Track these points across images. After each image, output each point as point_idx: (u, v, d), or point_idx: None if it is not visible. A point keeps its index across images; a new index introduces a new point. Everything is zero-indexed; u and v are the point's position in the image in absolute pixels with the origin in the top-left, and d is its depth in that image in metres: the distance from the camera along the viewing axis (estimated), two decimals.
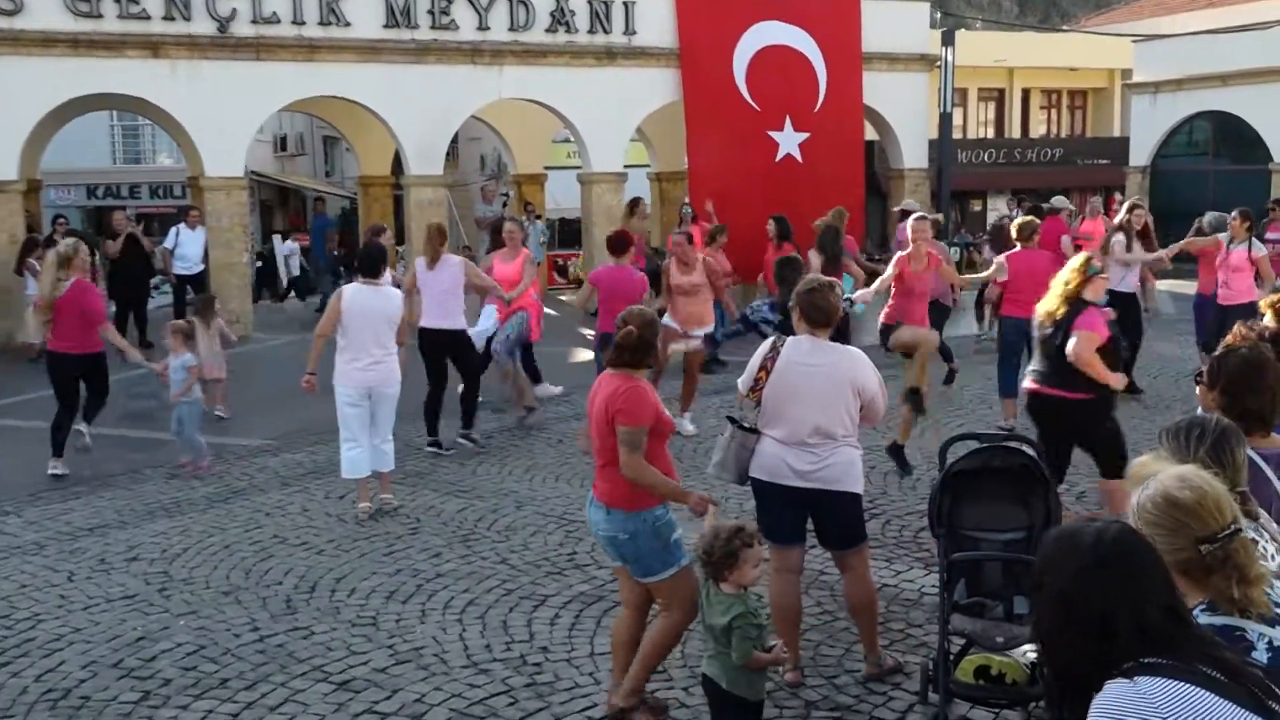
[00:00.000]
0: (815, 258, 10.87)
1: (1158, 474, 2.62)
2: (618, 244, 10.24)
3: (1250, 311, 6.66)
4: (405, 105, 17.56)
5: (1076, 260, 7.20)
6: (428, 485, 9.04)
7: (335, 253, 20.99)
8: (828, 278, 5.67)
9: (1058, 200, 16.38)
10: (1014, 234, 10.53)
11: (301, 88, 17.23)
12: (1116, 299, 11.36)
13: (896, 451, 9.11)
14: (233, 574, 7.19)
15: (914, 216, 9.78)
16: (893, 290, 9.42)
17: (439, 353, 10.05)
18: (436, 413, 10.12)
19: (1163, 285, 18.03)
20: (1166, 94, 24.90)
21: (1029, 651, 4.93)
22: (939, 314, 12.54)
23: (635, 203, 17.06)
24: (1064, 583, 2.28)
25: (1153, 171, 25.34)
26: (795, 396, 5.30)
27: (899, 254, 9.62)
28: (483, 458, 9.87)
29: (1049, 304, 7.12)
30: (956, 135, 30.28)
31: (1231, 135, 24.38)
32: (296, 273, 26.10)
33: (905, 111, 20.91)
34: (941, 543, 5.25)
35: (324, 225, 21.91)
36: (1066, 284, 7.06)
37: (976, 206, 34.25)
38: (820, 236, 11.09)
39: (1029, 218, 11.07)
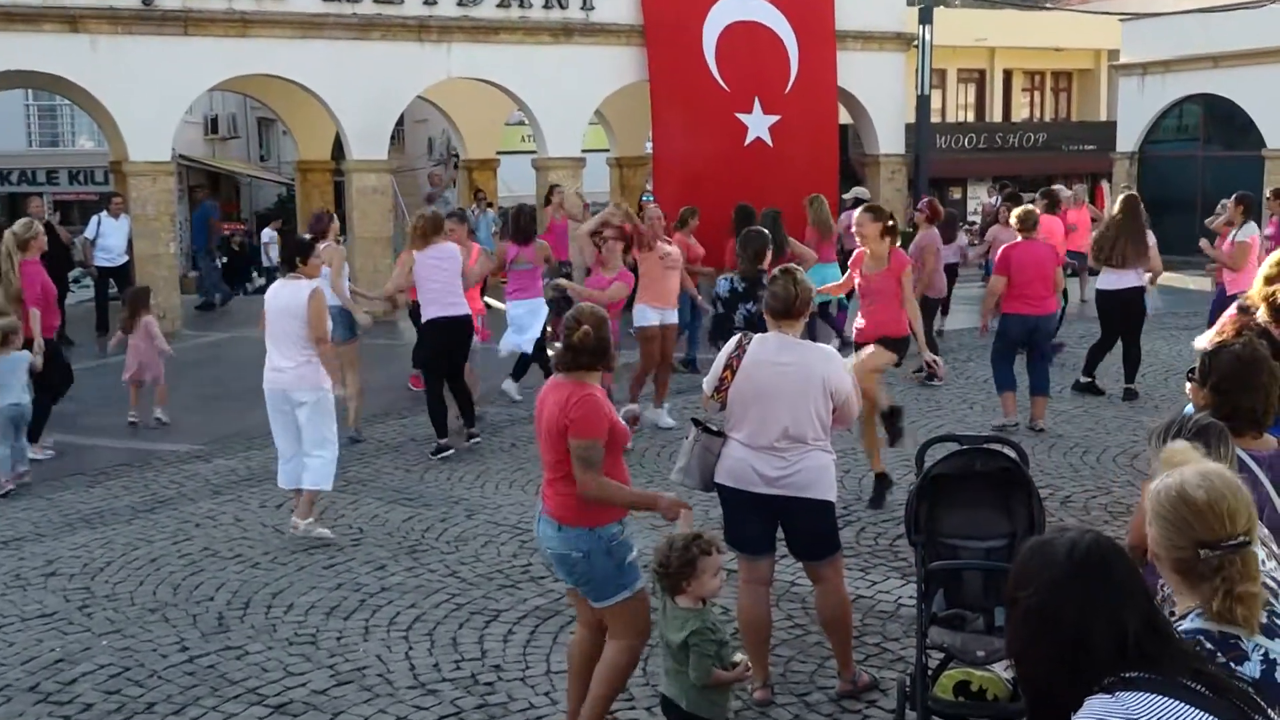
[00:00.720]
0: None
1: (1184, 466, 2.66)
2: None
3: None
4: (346, 85, 17.47)
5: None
6: (371, 493, 8.99)
7: (229, 241, 20.59)
8: (790, 265, 5.66)
9: (1063, 189, 16.52)
10: (1014, 224, 10.52)
11: (234, 65, 17.08)
12: (1118, 297, 11.43)
13: (882, 480, 8.55)
14: (160, 590, 7.12)
15: (860, 209, 8.99)
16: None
17: (449, 341, 10.05)
18: (445, 410, 10.13)
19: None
20: (1155, 76, 25.19)
21: (1010, 666, 4.96)
22: (930, 308, 12.62)
23: (553, 191, 17.05)
24: (1037, 596, 2.30)
25: (1140, 158, 25.64)
26: (762, 397, 5.32)
27: (856, 252, 9.04)
28: (431, 463, 9.82)
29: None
30: (935, 119, 30.52)
31: (1223, 120, 24.71)
32: (275, 261, 25.96)
33: (880, 94, 21.04)
34: (919, 551, 5.28)
35: (207, 214, 21.31)
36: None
37: (956, 194, 34.53)
38: (764, 225, 11.08)
39: (1029, 207, 11.05)
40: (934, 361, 9.01)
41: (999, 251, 10.78)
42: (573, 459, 4.68)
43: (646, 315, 10.67)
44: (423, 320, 10.14)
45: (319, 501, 8.17)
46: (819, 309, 9.93)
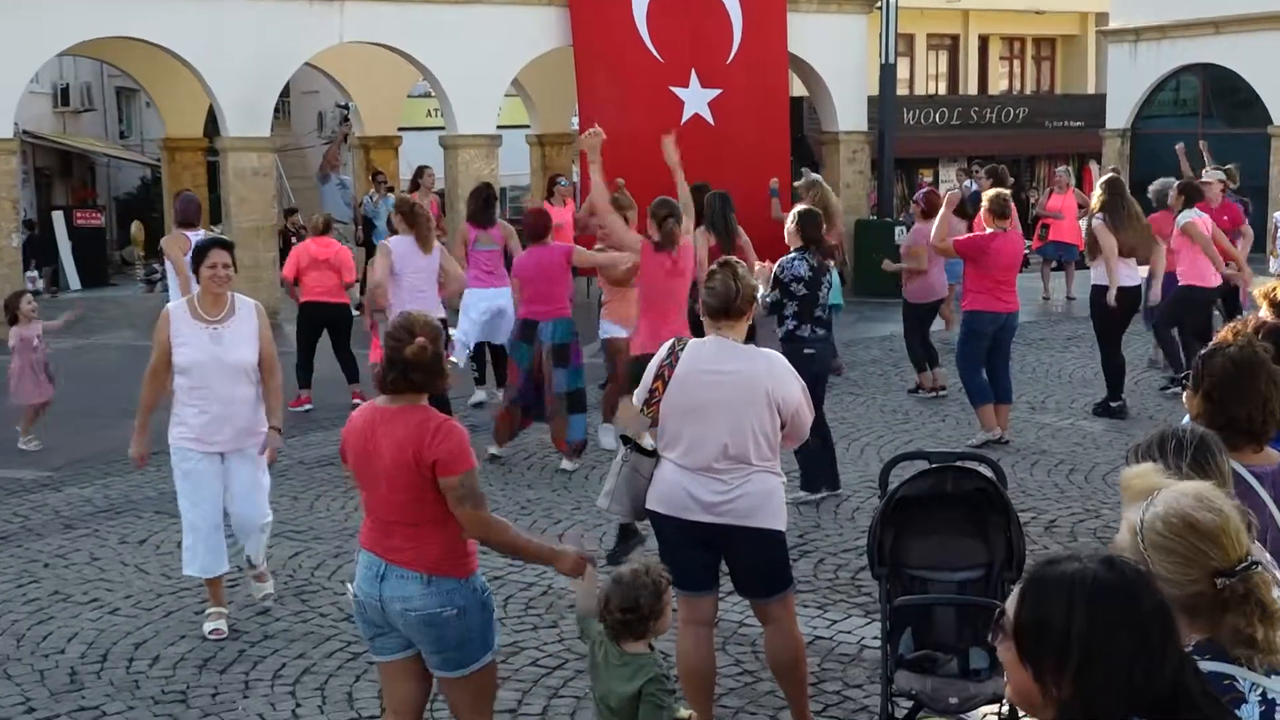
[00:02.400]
0: (702, 239, 10.93)
1: (1163, 489, 2.67)
2: (537, 227, 10.38)
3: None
4: (222, 49, 17.32)
5: None
6: None
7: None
8: (729, 258, 5.67)
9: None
10: (985, 210, 10.61)
11: (89, 27, 16.89)
12: (1126, 296, 11.51)
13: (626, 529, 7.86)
14: (1, 641, 7.01)
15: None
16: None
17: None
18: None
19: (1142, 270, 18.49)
20: (1149, 43, 25.62)
21: (988, 714, 5.04)
22: (923, 314, 12.63)
23: (421, 172, 17.01)
24: (1073, 635, 2.25)
25: (1133, 136, 26.04)
26: (698, 412, 5.33)
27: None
28: (322, 489, 9.77)
29: None
30: (902, 91, 30.81)
31: (1225, 93, 25.20)
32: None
33: (840, 62, 21.23)
34: (883, 585, 5.33)
35: None
36: None
37: (926, 176, 34.88)
38: (708, 209, 11.12)
39: (1003, 191, 11.10)
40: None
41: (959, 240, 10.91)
42: (452, 500, 4.52)
43: (613, 328, 10.71)
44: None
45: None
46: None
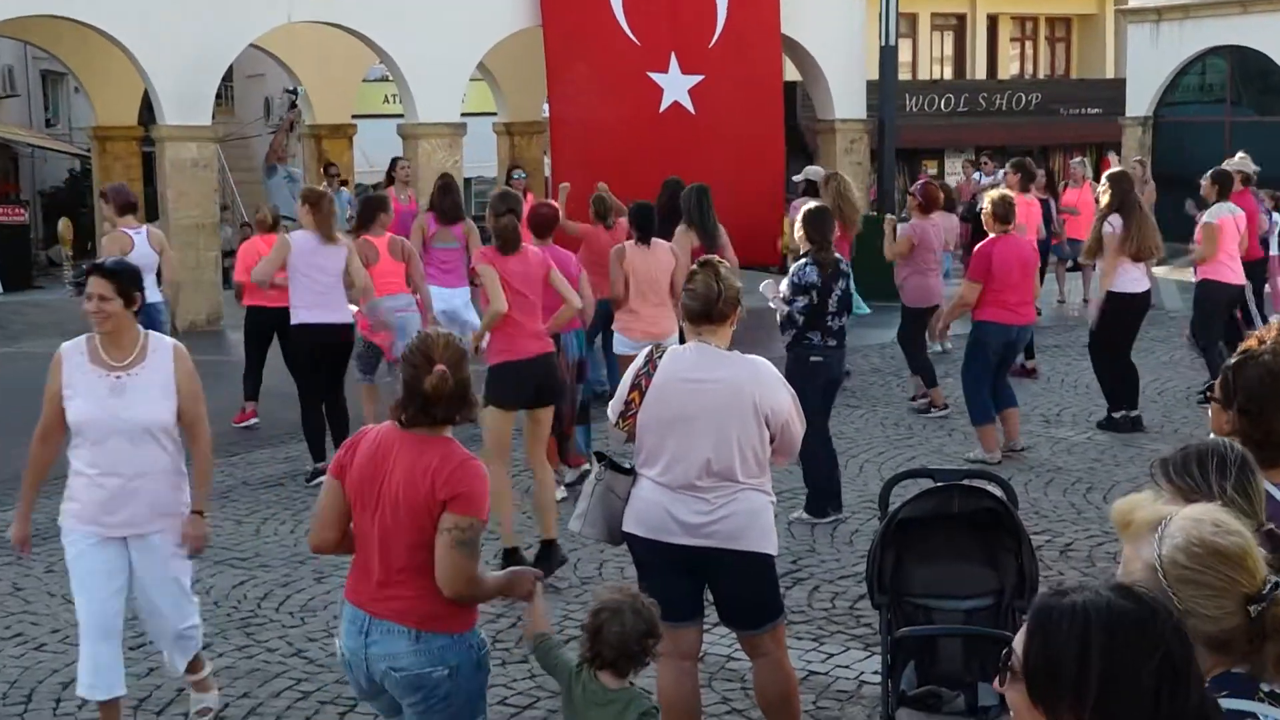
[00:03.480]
0: (684, 237, 10.93)
1: (1171, 518, 2.65)
2: (541, 222, 10.20)
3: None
4: (159, 30, 17.29)
5: None
6: None
7: None
8: (710, 257, 5.68)
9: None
10: (988, 214, 10.58)
11: (11, 4, 16.85)
12: (1140, 301, 11.54)
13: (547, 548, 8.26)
14: None
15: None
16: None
17: (325, 356, 10.28)
18: (323, 431, 10.46)
19: (1160, 271, 18.55)
20: (1172, 23, 25.73)
21: None
22: (922, 318, 12.63)
23: (394, 164, 17.02)
24: (1091, 672, 2.24)
25: (1155, 124, 26.14)
26: (678, 424, 5.33)
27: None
28: (270, 512, 9.75)
29: None
30: (904, 76, 30.92)
31: (1254, 77, 25.33)
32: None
33: (836, 44, 21.31)
34: (884, 615, 5.35)
35: None
36: None
37: (930, 169, 34.99)
38: (688, 204, 11.10)
39: (1005, 193, 11.00)
40: None
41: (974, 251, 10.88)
42: (447, 541, 4.34)
43: (626, 344, 10.68)
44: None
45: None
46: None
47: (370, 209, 11.29)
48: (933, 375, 12.46)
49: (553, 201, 11.78)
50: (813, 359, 8.87)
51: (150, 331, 6.04)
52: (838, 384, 9.72)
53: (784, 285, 9.10)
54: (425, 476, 4.37)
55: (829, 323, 8.94)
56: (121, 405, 5.74)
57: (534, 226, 9.81)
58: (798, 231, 9.14)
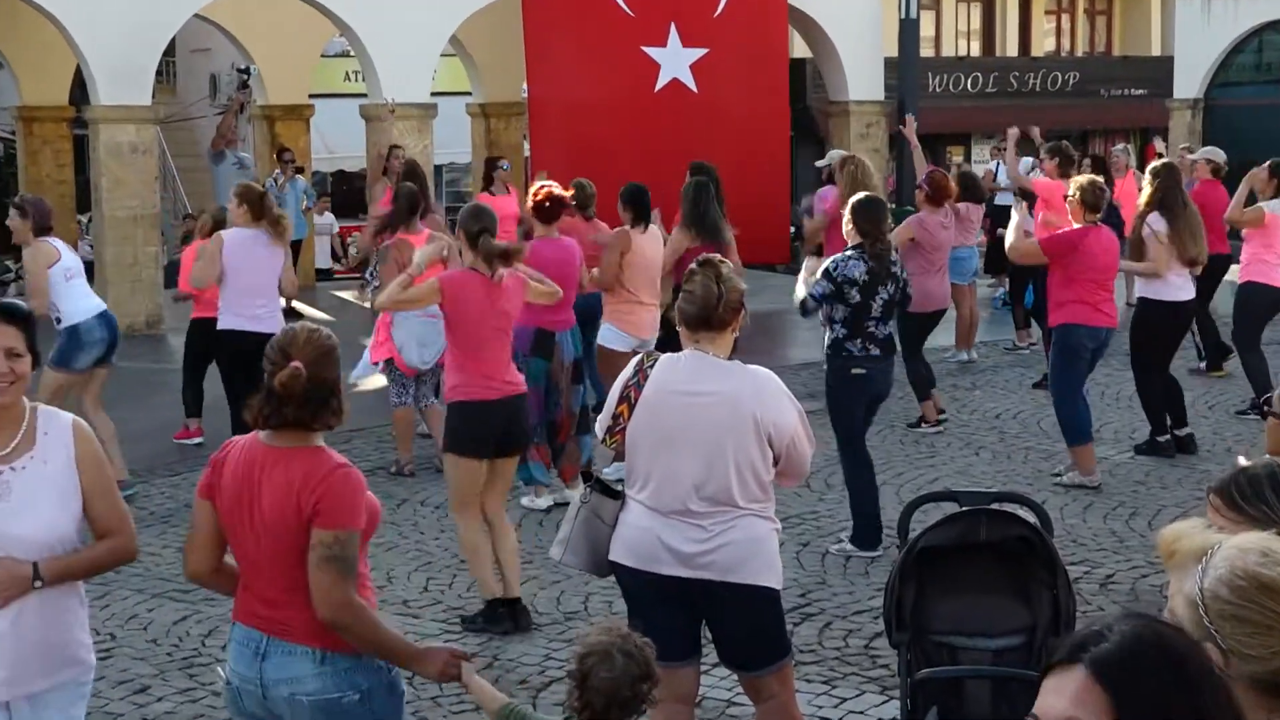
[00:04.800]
0: (681, 237, 10.92)
1: (1217, 547, 2.64)
2: (554, 210, 10.18)
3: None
4: (93, 1, 17.27)
5: None
6: (128, 583, 8.86)
7: None
8: (711, 256, 5.68)
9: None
10: (1076, 200, 10.37)
11: None
12: (1173, 310, 11.47)
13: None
14: None
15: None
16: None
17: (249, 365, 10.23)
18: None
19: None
20: None
21: None
22: (922, 324, 12.61)
23: (391, 153, 17.02)
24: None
25: (1206, 107, 26.18)
26: (670, 442, 5.33)
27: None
28: None
29: None
30: (927, 53, 30.96)
31: None
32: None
33: (851, 17, 21.35)
34: (903, 654, 5.34)
35: None
36: None
37: (957, 156, 35.02)
38: (684, 200, 11.11)
39: (1095, 178, 10.73)
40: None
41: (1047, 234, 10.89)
42: (313, 560, 4.32)
43: (616, 337, 10.79)
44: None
45: None
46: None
47: (411, 201, 11.14)
48: (928, 387, 12.45)
49: (484, 198, 11.83)
50: (854, 371, 8.82)
51: (38, 405, 4.69)
52: (881, 400, 9.62)
53: (818, 273, 9.00)
54: (290, 495, 4.36)
55: (872, 329, 8.87)
56: (1, 516, 4.46)
57: (540, 215, 9.98)
58: (846, 224, 9.09)
